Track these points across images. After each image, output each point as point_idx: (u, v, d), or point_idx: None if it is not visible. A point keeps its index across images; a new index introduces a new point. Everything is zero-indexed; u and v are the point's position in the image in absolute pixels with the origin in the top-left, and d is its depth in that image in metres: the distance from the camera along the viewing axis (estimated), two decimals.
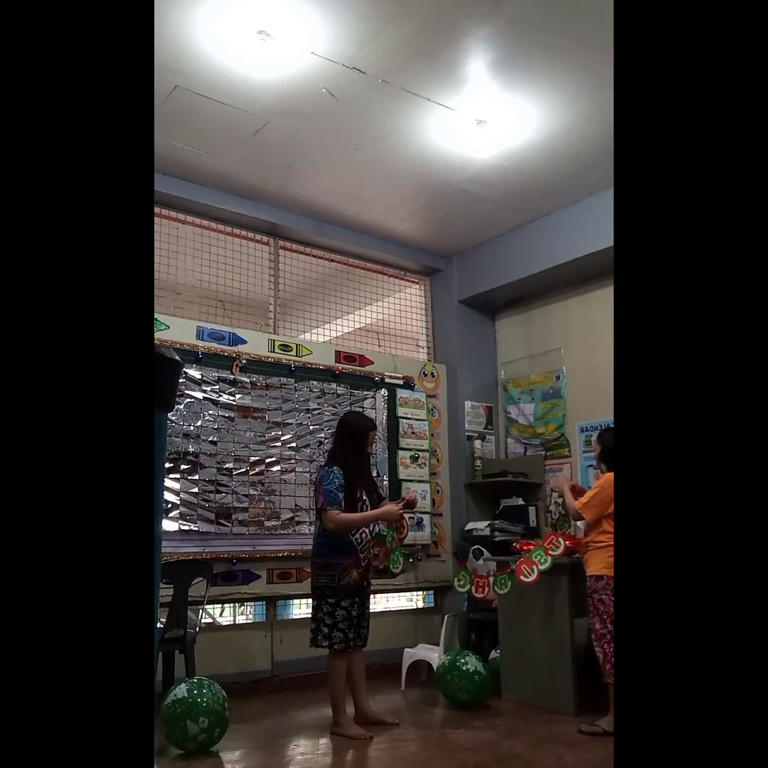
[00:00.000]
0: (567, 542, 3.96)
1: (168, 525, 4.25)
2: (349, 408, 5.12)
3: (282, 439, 4.87)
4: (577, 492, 4.03)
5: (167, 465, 4.23)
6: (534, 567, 3.85)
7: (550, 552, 3.86)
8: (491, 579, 4.14)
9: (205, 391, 4.60)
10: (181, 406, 4.46)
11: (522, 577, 3.87)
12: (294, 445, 4.91)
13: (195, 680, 3.30)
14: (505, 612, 4.24)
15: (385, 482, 5.19)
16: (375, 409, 5.34)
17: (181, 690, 3.20)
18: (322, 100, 3.89)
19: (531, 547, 4.20)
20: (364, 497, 3.62)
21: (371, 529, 3.66)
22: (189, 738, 3.18)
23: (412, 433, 5.47)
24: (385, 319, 5.92)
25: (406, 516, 3.79)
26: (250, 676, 4.50)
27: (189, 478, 4.45)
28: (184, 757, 3.21)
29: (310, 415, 5.01)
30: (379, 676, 4.54)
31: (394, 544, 3.85)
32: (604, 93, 3.78)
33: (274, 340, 5.04)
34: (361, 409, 5.26)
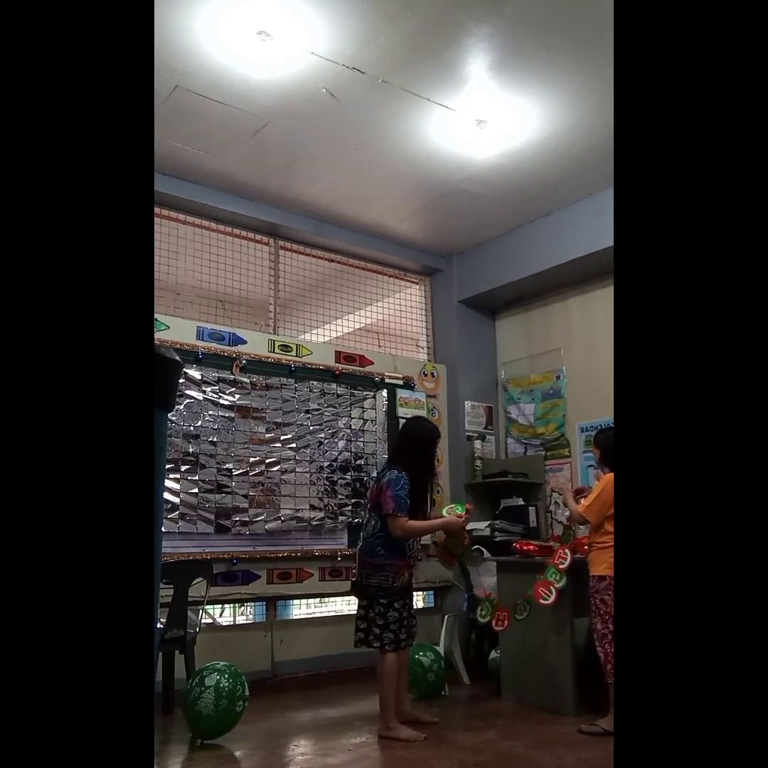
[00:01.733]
0: (574, 554, 3.96)
1: (168, 525, 4.26)
2: (348, 409, 5.11)
3: (282, 439, 4.87)
4: (580, 491, 4.04)
5: (167, 465, 4.22)
6: (551, 588, 3.80)
7: (561, 567, 3.83)
8: (510, 610, 4.03)
9: (205, 392, 4.60)
10: (181, 406, 4.46)
11: (541, 601, 3.80)
12: (294, 445, 4.91)
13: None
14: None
15: None
16: (375, 409, 5.34)
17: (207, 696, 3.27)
18: (322, 100, 3.89)
19: (531, 547, 4.20)
20: (423, 510, 3.62)
21: None
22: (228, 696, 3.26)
23: None
24: (385, 319, 5.92)
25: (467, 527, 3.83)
26: (250, 676, 4.47)
27: (189, 478, 4.45)
28: (186, 755, 3.21)
29: (310, 415, 5.01)
30: None
31: (459, 551, 3.87)
32: (604, 93, 3.78)
33: (274, 341, 5.04)
34: (361, 410, 5.27)
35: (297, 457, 4.91)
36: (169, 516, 4.28)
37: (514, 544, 4.32)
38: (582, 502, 3.74)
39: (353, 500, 5.07)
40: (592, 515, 3.55)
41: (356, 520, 5.00)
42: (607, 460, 3.75)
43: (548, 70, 3.66)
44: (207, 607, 4.18)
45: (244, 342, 4.87)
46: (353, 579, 3.63)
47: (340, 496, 5.05)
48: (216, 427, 4.60)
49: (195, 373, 4.57)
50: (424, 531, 3.60)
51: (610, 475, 3.64)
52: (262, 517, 4.69)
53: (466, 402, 5.80)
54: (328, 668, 4.76)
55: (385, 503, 3.46)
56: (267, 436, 4.81)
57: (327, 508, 4.98)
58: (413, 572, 3.64)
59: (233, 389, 4.72)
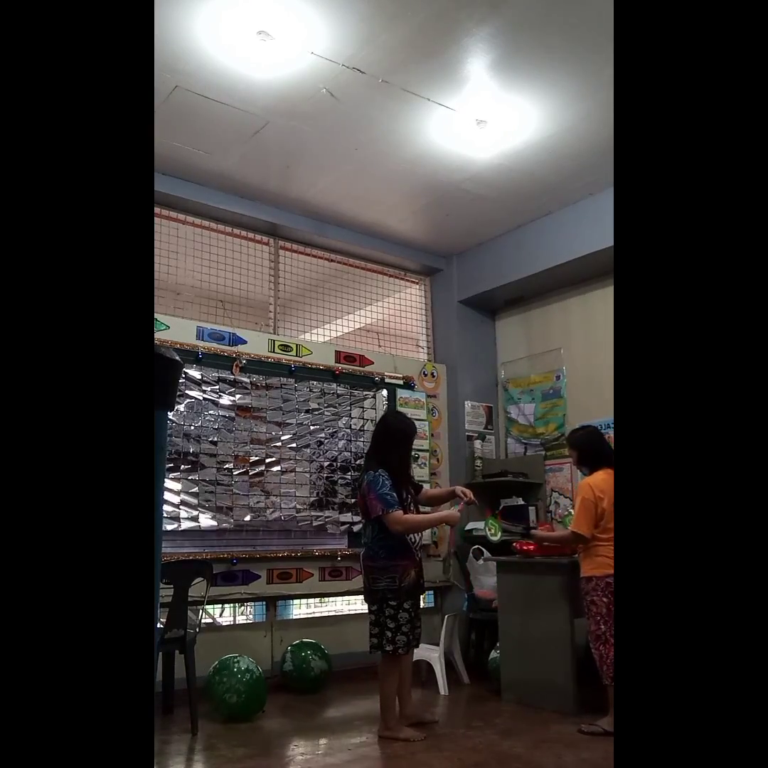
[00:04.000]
0: (528, 548, 4.13)
1: (168, 525, 4.26)
2: (348, 406, 5.11)
3: (282, 439, 4.87)
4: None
5: (167, 465, 4.22)
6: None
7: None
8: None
9: (205, 391, 4.60)
10: (181, 406, 4.46)
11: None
12: (294, 445, 4.91)
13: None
14: (505, 612, 4.24)
15: None
16: (375, 409, 5.34)
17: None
18: (322, 100, 3.89)
19: (531, 547, 4.20)
20: (410, 501, 3.57)
21: None
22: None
23: None
24: (385, 319, 5.92)
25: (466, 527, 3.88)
26: None
27: (189, 478, 4.45)
28: (186, 755, 3.21)
29: (310, 415, 5.01)
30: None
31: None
32: (604, 93, 3.78)
33: (274, 340, 5.04)
34: (361, 409, 5.27)
35: (297, 457, 4.91)
36: (169, 516, 4.28)
37: (514, 544, 4.32)
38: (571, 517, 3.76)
39: (354, 500, 5.07)
40: (583, 529, 3.54)
41: (356, 520, 5.00)
42: (585, 461, 3.72)
43: (548, 70, 3.66)
44: (207, 606, 4.18)
45: (244, 342, 4.87)
46: (363, 586, 3.58)
47: (340, 496, 5.06)
48: (216, 426, 4.61)
49: (195, 373, 4.57)
50: (423, 524, 3.56)
51: (586, 481, 3.63)
52: (262, 517, 4.69)
53: (466, 402, 5.80)
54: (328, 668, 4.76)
55: (373, 507, 3.42)
56: (267, 435, 4.81)
57: (327, 508, 4.98)
58: (421, 570, 3.57)
59: (233, 389, 4.72)
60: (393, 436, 3.60)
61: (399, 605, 3.41)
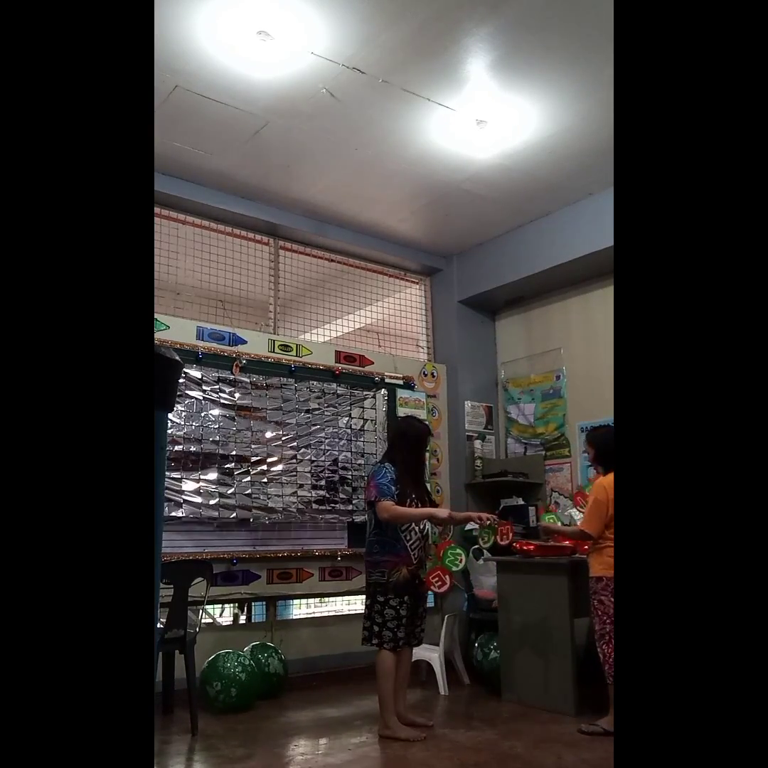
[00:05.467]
0: (528, 548, 4.04)
1: (168, 525, 4.25)
2: (349, 408, 5.11)
3: (282, 439, 4.87)
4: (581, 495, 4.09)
5: (167, 465, 4.22)
6: (446, 576, 3.75)
7: (440, 589, 3.77)
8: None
9: (205, 391, 4.60)
10: (181, 406, 4.46)
11: (432, 588, 3.77)
12: (294, 445, 4.91)
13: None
14: (505, 612, 4.24)
15: None
16: (375, 409, 5.34)
17: None
18: (322, 100, 3.89)
19: (531, 547, 4.20)
20: (415, 498, 3.63)
21: (422, 528, 3.67)
22: None
23: None
24: (385, 319, 5.92)
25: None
26: None
27: (190, 477, 4.45)
28: (186, 755, 3.21)
29: (310, 415, 5.01)
30: None
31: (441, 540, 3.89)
32: (603, 93, 3.78)
33: (274, 340, 5.04)
34: (361, 409, 5.27)
35: (297, 457, 4.91)
36: (170, 515, 4.27)
37: (514, 544, 4.32)
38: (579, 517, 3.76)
39: (354, 500, 5.07)
40: (592, 528, 3.54)
41: (357, 519, 5.00)
42: (600, 460, 3.73)
43: (548, 70, 3.66)
44: (207, 606, 4.18)
45: (244, 342, 4.87)
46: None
47: (340, 496, 5.06)
48: (216, 426, 4.60)
49: (195, 373, 4.57)
50: (409, 516, 3.57)
51: (600, 481, 3.63)
52: (263, 516, 4.69)
53: (466, 402, 5.80)
54: (328, 668, 4.76)
55: (369, 492, 3.59)
56: (267, 435, 4.81)
57: (327, 508, 4.98)
58: (418, 570, 3.58)
59: (233, 389, 4.72)
60: (403, 439, 3.76)
61: (386, 600, 3.46)
